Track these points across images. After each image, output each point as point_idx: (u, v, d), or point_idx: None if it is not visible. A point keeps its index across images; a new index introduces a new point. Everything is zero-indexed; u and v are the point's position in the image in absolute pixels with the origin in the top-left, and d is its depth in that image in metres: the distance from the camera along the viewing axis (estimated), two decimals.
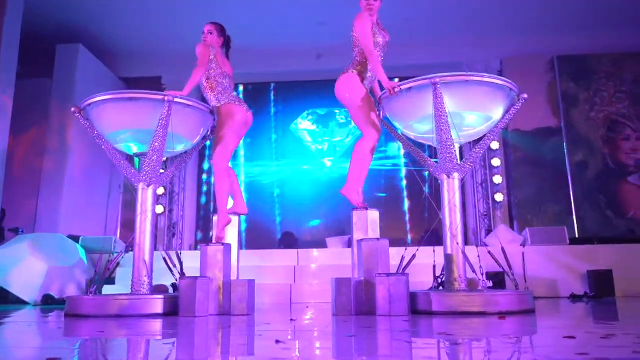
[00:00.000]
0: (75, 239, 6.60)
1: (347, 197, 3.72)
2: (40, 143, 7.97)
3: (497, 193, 8.47)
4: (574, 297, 5.51)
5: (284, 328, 2.59)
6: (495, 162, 8.53)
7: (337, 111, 9.67)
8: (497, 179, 8.48)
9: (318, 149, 9.58)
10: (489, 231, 8.32)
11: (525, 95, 3.68)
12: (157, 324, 2.84)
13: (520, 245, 6.30)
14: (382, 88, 3.67)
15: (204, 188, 9.64)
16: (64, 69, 8.14)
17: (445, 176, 3.59)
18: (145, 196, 3.83)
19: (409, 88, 3.52)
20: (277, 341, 1.82)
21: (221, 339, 2.10)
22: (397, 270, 3.39)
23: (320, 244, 7.85)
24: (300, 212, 9.29)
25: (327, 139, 9.56)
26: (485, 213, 8.58)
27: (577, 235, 7.77)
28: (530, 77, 8.72)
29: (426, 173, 3.80)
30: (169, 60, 9.31)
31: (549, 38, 8.62)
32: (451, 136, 3.47)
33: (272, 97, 9.92)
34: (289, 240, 8.85)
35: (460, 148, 4.06)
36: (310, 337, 2.13)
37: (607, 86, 8.62)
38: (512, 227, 8.58)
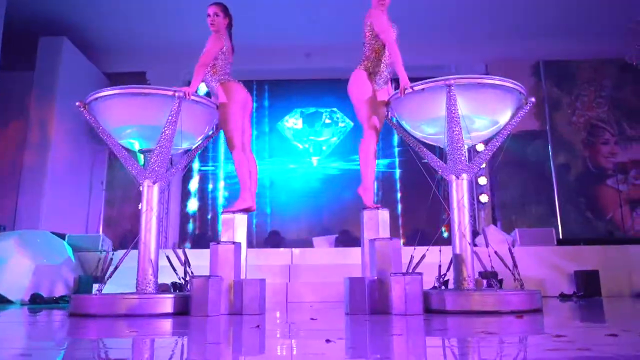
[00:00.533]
0: (60, 236, 6.42)
1: (361, 196, 3.76)
2: (21, 138, 7.72)
3: (482, 194, 8.62)
4: (563, 297, 5.66)
5: (315, 327, 2.58)
6: None
7: (323, 111, 9.66)
8: (482, 180, 8.63)
9: (305, 148, 9.57)
10: (475, 232, 8.46)
11: (534, 99, 3.76)
12: (176, 324, 2.79)
13: (510, 245, 6.44)
14: (397, 88, 3.71)
15: (189, 186, 9.50)
16: (47, 62, 7.91)
17: (454, 177, 3.64)
18: (151, 194, 3.77)
19: (422, 89, 3.56)
20: (327, 340, 1.81)
21: (267, 340, 2.07)
22: (406, 270, 3.42)
23: (307, 244, 7.84)
24: (286, 211, 9.26)
25: (313, 139, 9.55)
26: (470, 214, 8.70)
27: (561, 237, 7.97)
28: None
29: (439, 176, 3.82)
30: (153, 56, 9.18)
31: (534, 43, 8.82)
32: (462, 138, 3.52)
33: (255, 95, 9.82)
34: (275, 239, 8.81)
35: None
36: (353, 336, 2.13)
37: (588, 91, 8.88)
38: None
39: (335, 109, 9.53)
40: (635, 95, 8.87)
